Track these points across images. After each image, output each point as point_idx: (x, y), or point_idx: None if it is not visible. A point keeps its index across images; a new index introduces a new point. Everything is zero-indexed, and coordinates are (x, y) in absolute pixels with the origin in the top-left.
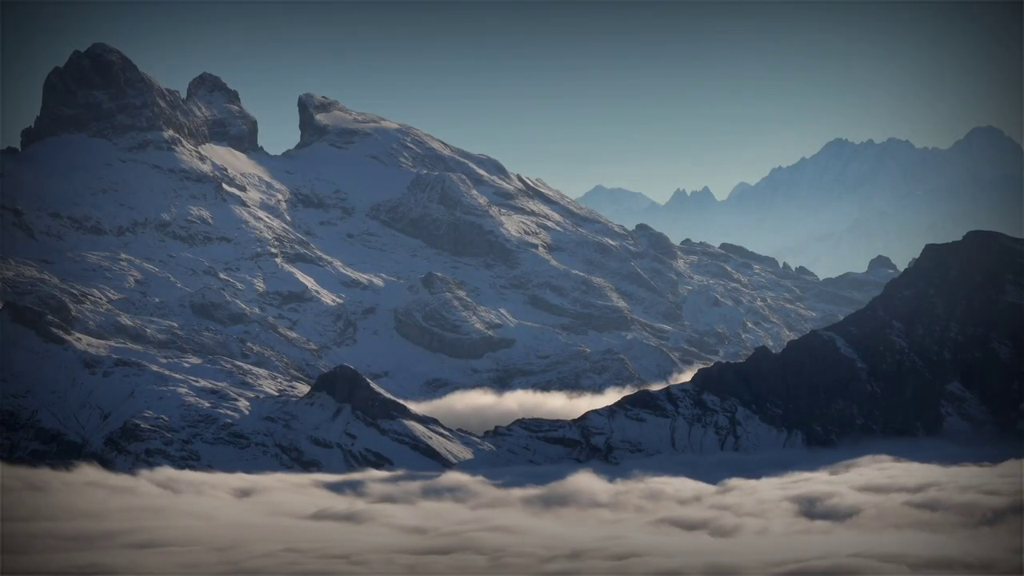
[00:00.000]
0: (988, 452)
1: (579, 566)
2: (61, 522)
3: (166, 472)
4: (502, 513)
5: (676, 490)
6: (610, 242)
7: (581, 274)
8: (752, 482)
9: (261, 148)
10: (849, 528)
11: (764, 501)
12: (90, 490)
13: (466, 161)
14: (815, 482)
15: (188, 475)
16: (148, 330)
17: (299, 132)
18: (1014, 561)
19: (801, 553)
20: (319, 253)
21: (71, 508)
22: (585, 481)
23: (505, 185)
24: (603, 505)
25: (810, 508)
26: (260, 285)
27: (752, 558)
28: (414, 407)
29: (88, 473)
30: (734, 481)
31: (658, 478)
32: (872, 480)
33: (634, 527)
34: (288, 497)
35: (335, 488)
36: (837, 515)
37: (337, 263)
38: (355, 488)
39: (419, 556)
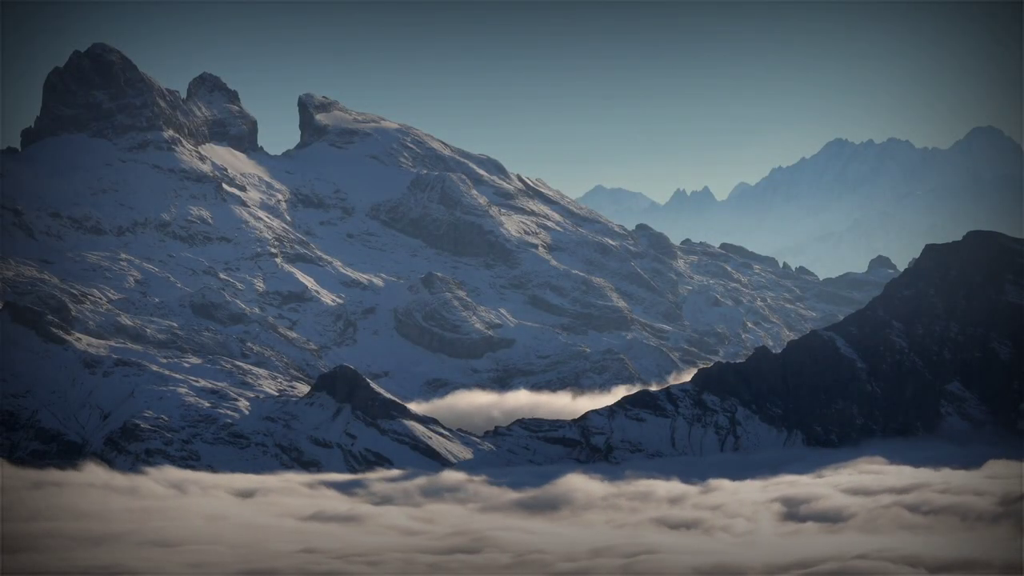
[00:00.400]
0: (987, 451)
1: (598, 564)
2: (65, 522)
3: (171, 473)
4: (504, 514)
5: (667, 491)
6: (610, 242)
7: (581, 274)
8: (738, 483)
9: (261, 148)
10: (850, 530)
11: (751, 503)
12: (94, 490)
13: (466, 161)
14: (809, 484)
15: (193, 475)
16: (148, 330)
17: (299, 132)
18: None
19: (821, 553)
20: (319, 253)
21: (75, 509)
22: (579, 482)
23: (505, 185)
24: (596, 507)
25: (799, 510)
26: (260, 285)
27: (762, 559)
28: (414, 407)
29: (94, 473)
30: (724, 483)
31: (647, 480)
32: (861, 482)
33: (631, 528)
34: (292, 498)
35: (337, 488)
36: (831, 517)
37: (337, 263)
38: (357, 488)
39: (436, 556)
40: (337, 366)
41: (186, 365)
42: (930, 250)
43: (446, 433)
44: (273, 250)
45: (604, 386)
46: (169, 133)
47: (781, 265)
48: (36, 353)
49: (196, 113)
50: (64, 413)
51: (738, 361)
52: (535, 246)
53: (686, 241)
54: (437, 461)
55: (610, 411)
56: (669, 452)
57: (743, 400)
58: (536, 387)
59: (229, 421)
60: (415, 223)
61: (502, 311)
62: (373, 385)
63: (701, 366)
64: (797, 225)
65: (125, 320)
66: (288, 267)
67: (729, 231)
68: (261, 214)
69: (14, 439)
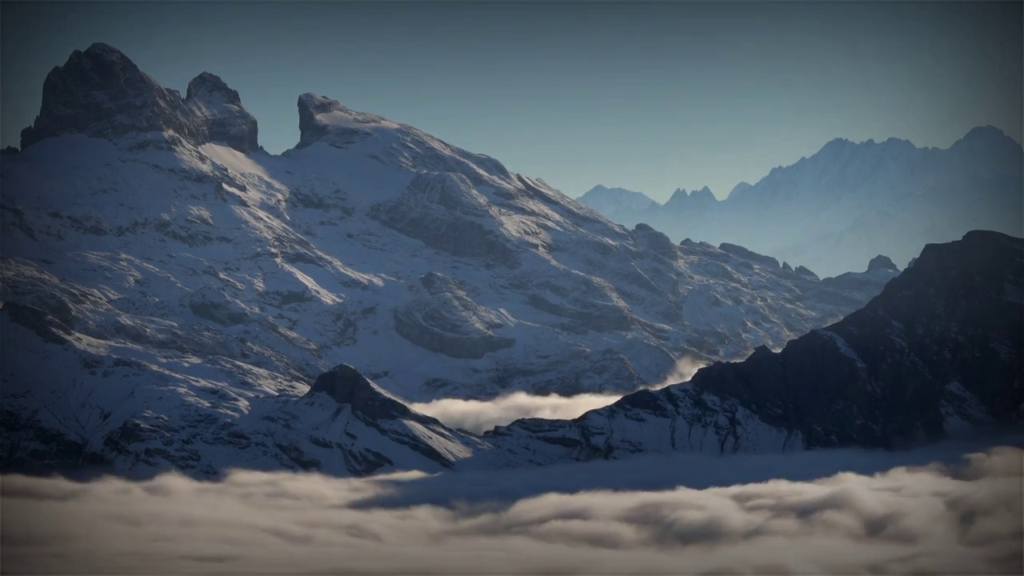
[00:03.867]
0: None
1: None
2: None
3: (174, 477)
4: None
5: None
6: (610, 242)
7: (581, 274)
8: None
9: (261, 148)
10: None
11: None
12: (102, 497)
13: (466, 161)
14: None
15: (196, 479)
16: (148, 330)
17: (299, 132)
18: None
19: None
20: (319, 253)
21: (80, 516)
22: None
23: (505, 185)
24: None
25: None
26: (260, 285)
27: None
28: (414, 407)
29: (106, 481)
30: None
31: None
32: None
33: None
34: (295, 499)
35: (338, 487)
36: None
37: (337, 263)
38: (358, 489)
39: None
40: (337, 366)
41: (186, 365)
42: (930, 250)
43: (446, 433)
44: (273, 250)
45: (604, 386)
46: (169, 133)
47: (781, 265)
48: (36, 353)
49: (196, 113)
50: (64, 413)
51: (738, 361)
52: (535, 246)
53: (686, 241)
54: (437, 461)
55: (610, 411)
56: (669, 452)
57: (743, 400)
58: (536, 387)
59: (229, 421)
60: (415, 223)
61: (502, 311)
62: (373, 385)
63: (701, 366)
64: (797, 225)
65: (125, 320)
66: (288, 267)
67: (729, 231)
68: (261, 214)
69: (14, 439)
